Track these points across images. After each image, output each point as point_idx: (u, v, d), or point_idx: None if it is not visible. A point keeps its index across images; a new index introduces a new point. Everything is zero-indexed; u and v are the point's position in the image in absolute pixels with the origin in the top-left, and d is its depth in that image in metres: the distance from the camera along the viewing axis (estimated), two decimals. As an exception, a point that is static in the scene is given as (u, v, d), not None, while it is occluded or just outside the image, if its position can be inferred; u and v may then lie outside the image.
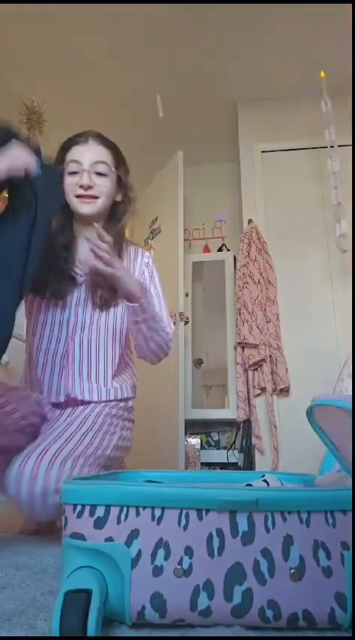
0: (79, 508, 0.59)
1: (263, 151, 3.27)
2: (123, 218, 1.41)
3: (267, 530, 0.56)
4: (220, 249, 3.78)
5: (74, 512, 0.59)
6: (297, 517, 0.56)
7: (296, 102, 3.26)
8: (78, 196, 1.29)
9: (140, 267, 1.45)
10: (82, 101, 3.32)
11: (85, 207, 1.30)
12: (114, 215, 1.40)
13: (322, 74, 2.76)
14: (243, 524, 0.57)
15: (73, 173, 1.29)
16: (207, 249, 3.81)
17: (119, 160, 1.38)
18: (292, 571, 0.55)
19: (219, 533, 0.57)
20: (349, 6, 2.51)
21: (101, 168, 1.30)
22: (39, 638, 0.55)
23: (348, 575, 0.55)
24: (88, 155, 1.29)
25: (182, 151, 3.28)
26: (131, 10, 2.59)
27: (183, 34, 2.78)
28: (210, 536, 0.57)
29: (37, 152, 1.05)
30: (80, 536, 0.58)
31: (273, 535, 0.56)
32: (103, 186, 1.32)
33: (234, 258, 3.55)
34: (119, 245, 1.39)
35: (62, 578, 0.59)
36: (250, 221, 3.11)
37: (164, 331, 1.36)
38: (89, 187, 1.29)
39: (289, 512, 0.57)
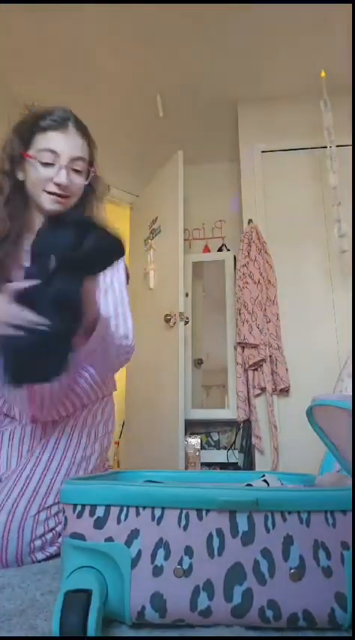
0: (78, 508, 0.59)
1: (263, 151, 3.27)
2: (90, 212, 1.22)
3: (267, 531, 0.56)
4: (220, 249, 3.78)
5: (74, 512, 0.59)
6: (297, 517, 0.56)
7: (296, 102, 3.26)
8: (49, 192, 1.11)
9: None
10: (82, 101, 3.32)
11: (54, 206, 1.13)
12: (81, 208, 1.21)
13: (322, 74, 2.76)
14: (243, 525, 0.57)
15: (47, 164, 1.10)
16: (207, 249, 3.81)
17: (93, 151, 1.21)
18: (292, 571, 0.55)
19: (219, 533, 0.57)
20: (349, 6, 2.51)
21: (79, 165, 1.14)
22: (39, 638, 0.55)
23: (348, 575, 0.55)
24: (68, 148, 1.12)
25: (182, 150, 3.28)
26: (131, 10, 2.59)
27: (183, 34, 2.78)
28: (210, 536, 0.57)
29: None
30: (80, 537, 0.58)
31: (273, 535, 0.56)
32: (78, 186, 1.15)
33: (234, 258, 3.55)
34: None
35: (62, 578, 0.59)
36: (250, 221, 3.11)
37: (118, 345, 1.17)
38: (65, 187, 1.11)
39: (289, 513, 0.56)
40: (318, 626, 0.55)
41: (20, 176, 1.14)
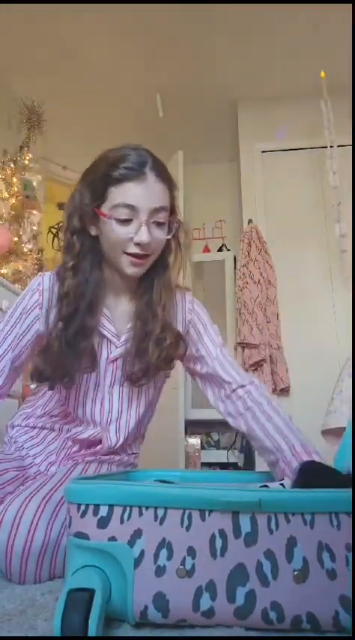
0: (82, 507, 0.58)
1: (263, 151, 3.27)
2: (172, 267, 1.09)
3: (271, 532, 0.56)
4: (220, 249, 3.78)
5: (78, 511, 0.58)
6: (301, 519, 0.56)
7: (296, 102, 3.26)
8: (129, 254, 0.98)
9: (183, 321, 1.14)
10: (82, 101, 3.32)
11: (133, 269, 1.00)
12: (161, 262, 1.07)
13: (322, 74, 2.76)
14: (245, 526, 0.56)
15: (125, 221, 0.96)
16: (207, 249, 3.81)
17: (173, 195, 1.04)
18: (296, 573, 0.54)
19: (222, 534, 0.56)
20: (349, 6, 2.51)
21: (161, 217, 0.99)
22: (39, 638, 0.55)
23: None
24: (147, 200, 0.95)
25: (182, 150, 3.28)
26: (131, 10, 2.58)
27: (183, 34, 2.78)
28: (213, 536, 0.56)
29: None
30: (84, 536, 0.58)
31: (277, 536, 0.56)
32: (160, 242, 1.01)
33: (234, 258, 3.55)
34: (170, 297, 1.09)
35: (66, 576, 0.59)
36: (250, 221, 3.11)
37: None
38: (147, 245, 0.97)
39: (293, 514, 0.56)
40: (323, 629, 0.54)
41: (93, 231, 1.02)
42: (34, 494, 0.85)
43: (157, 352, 1.02)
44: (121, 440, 1.10)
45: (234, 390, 1.10)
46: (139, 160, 0.97)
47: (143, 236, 0.95)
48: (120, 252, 0.98)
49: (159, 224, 0.99)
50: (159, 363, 1.03)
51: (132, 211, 0.95)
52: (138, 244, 0.96)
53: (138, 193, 0.95)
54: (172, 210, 1.03)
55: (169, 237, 1.03)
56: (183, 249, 1.09)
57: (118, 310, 1.09)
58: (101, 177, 0.97)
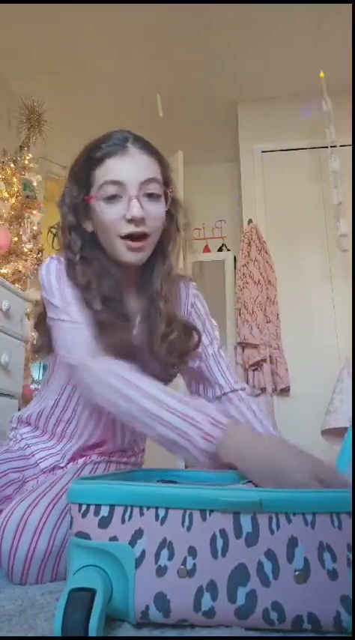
0: (84, 507, 0.58)
1: (263, 151, 3.28)
2: (170, 253, 1.00)
3: (272, 532, 0.56)
4: (220, 249, 3.78)
5: (79, 511, 0.59)
6: (302, 519, 0.56)
7: (296, 102, 3.26)
8: (125, 237, 0.90)
9: (187, 308, 1.11)
10: (82, 101, 3.32)
11: (134, 256, 0.92)
12: (159, 250, 0.98)
13: (321, 74, 2.76)
14: (246, 526, 0.56)
15: (112, 198, 0.89)
16: (207, 249, 3.82)
17: (166, 171, 0.97)
18: (297, 573, 0.54)
19: (223, 534, 0.56)
20: (349, 6, 2.51)
21: (153, 188, 0.90)
22: (39, 638, 0.55)
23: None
24: (133, 171, 0.89)
25: (182, 150, 3.28)
26: (131, 10, 2.58)
27: (183, 34, 2.78)
28: (214, 536, 0.56)
29: None
30: (85, 536, 0.58)
31: (278, 536, 0.56)
32: (158, 217, 0.92)
33: (234, 258, 3.55)
34: (171, 288, 1.00)
35: (68, 576, 0.59)
36: (250, 221, 3.11)
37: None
38: (141, 221, 0.88)
39: (294, 514, 0.56)
40: (323, 630, 0.54)
41: (89, 227, 0.96)
42: (41, 498, 0.84)
43: (164, 348, 0.95)
44: (128, 436, 1.08)
45: (225, 393, 1.07)
46: (121, 137, 0.92)
47: (135, 209, 0.87)
48: (115, 236, 0.90)
49: (151, 196, 0.91)
50: (167, 359, 0.96)
51: (119, 187, 0.88)
52: (131, 221, 0.88)
53: (122, 167, 0.89)
54: (166, 183, 0.95)
55: (166, 208, 0.94)
56: (182, 230, 1.01)
57: (128, 306, 1.01)
58: (84, 164, 0.93)
